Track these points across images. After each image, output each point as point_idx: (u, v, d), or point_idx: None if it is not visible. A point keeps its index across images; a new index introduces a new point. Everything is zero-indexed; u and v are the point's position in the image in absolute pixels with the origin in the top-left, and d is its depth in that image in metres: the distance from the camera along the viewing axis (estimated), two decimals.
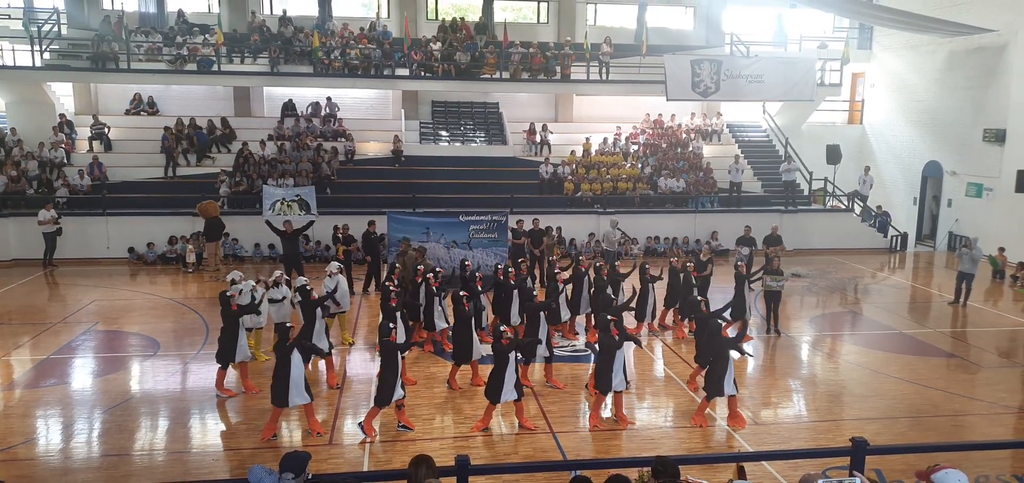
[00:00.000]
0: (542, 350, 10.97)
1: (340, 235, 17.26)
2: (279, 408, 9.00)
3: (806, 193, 23.96)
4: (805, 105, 24.55)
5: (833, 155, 24.23)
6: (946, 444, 8.89)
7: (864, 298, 17.47)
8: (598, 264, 13.92)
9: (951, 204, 23.67)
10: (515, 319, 12.39)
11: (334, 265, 12.81)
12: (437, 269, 13.04)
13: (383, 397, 8.97)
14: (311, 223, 17.34)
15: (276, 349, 8.99)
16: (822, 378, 11.84)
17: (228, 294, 10.66)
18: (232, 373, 10.77)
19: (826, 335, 14.31)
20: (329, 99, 24.45)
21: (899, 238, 23.54)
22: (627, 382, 9.80)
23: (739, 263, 14.23)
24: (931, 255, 23.33)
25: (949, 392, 11.13)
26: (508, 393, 9.20)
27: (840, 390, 11.24)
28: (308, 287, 11.04)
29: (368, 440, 9.05)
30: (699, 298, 11.93)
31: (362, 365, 11.98)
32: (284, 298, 11.94)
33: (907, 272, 21.07)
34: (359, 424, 9.23)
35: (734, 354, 9.74)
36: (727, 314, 11.59)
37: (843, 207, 24.13)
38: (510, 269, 13.17)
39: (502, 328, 9.55)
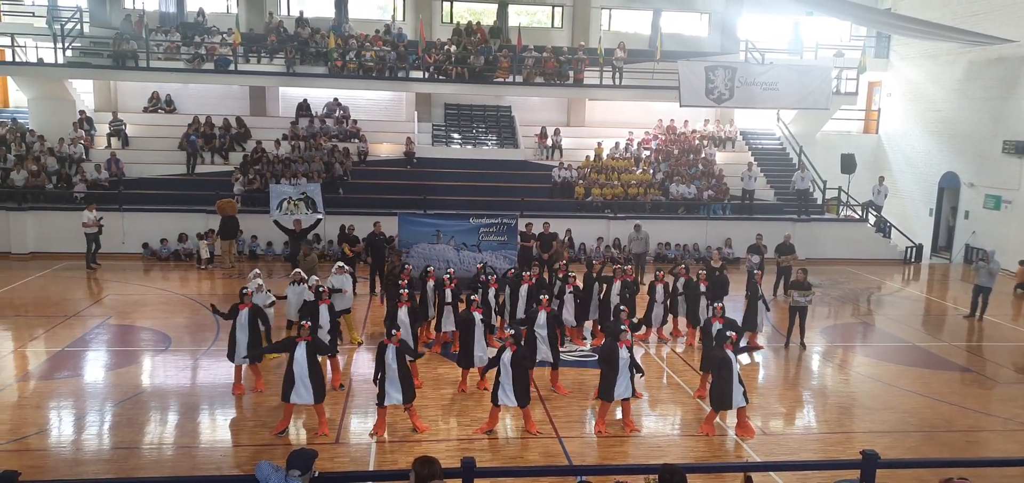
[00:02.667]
0: (546, 354, 10.93)
1: (347, 234, 17.34)
2: (286, 403, 9.08)
3: (819, 202, 23.79)
4: (820, 113, 24.38)
5: (847, 164, 24.03)
6: (959, 459, 8.79)
7: (877, 309, 17.29)
8: (619, 266, 13.87)
9: (968, 216, 23.39)
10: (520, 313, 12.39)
11: (338, 264, 12.97)
12: (451, 271, 13.02)
13: (379, 397, 9.10)
14: (319, 221, 17.42)
15: (284, 341, 9.07)
16: (833, 390, 11.72)
17: (245, 291, 10.73)
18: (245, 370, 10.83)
19: (838, 346, 14.17)
20: (335, 99, 24.57)
21: (914, 249, 23.28)
22: (634, 390, 9.69)
23: (756, 271, 14.11)
24: (946, 267, 23.06)
25: (963, 407, 10.99)
26: (506, 398, 9.20)
27: (851, 402, 11.12)
28: (321, 287, 11.13)
29: (375, 437, 9.16)
30: (715, 306, 11.76)
31: (369, 365, 12.01)
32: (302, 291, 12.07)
33: (921, 284, 20.85)
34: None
35: (742, 359, 9.56)
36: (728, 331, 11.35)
37: (857, 217, 23.92)
38: (523, 273, 13.17)
39: (510, 333, 9.55)
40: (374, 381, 9.22)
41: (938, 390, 11.64)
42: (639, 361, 9.86)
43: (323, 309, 10.84)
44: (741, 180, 22.75)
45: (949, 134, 24.13)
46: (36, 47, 22.57)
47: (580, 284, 13.47)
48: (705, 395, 10.66)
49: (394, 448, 8.99)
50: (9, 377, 11.02)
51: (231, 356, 10.50)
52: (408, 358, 9.29)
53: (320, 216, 17.68)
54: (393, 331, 9.14)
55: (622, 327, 9.62)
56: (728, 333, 9.71)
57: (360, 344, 12.95)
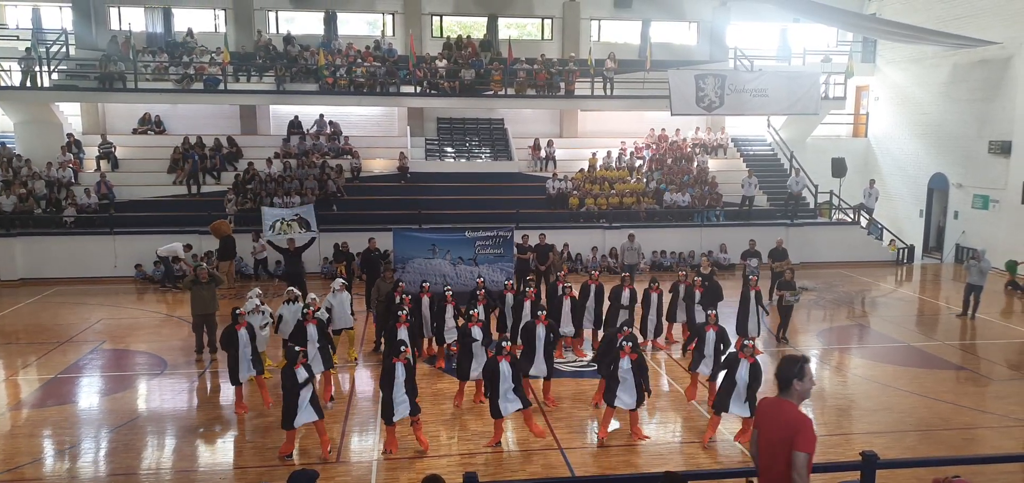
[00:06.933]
0: (541, 369, 10.84)
1: (343, 251, 17.27)
2: (289, 431, 9.00)
3: (812, 206, 23.93)
4: (810, 118, 24.56)
5: (838, 168, 24.21)
6: (956, 458, 8.80)
7: (871, 311, 17.38)
8: (624, 275, 13.91)
9: (958, 216, 23.59)
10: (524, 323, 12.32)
11: (338, 282, 12.84)
12: (449, 291, 12.91)
13: (384, 413, 9.02)
14: (313, 240, 17.33)
15: (283, 371, 8.98)
16: (830, 392, 11.76)
17: (238, 311, 10.67)
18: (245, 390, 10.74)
19: (834, 349, 14.23)
20: (321, 115, 24.54)
21: (905, 251, 23.44)
22: (640, 400, 9.65)
23: (751, 276, 14.15)
24: (938, 267, 23.22)
25: (959, 405, 11.04)
26: (509, 405, 9.17)
27: (849, 404, 11.17)
28: (306, 307, 11.07)
29: (388, 454, 9.14)
30: (709, 313, 11.76)
31: (368, 382, 11.96)
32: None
33: (914, 285, 20.97)
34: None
35: (742, 373, 9.49)
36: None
37: (849, 220, 24.08)
38: (525, 291, 13.13)
39: (503, 344, 9.47)
40: (383, 399, 9.08)
41: (934, 389, 11.70)
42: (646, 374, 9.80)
43: (310, 328, 10.75)
44: (742, 187, 22.90)
45: (936, 136, 24.37)
46: (21, 70, 22.44)
47: (576, 294, 13.44)
48: (694, 396, 10.88)
49: (396, 465, 8.94)
50: (1, 406, 10.90)
51: (234, 379, 10.42)
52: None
53: (314, 234, 17.60)
54: (402, 348, 9.12)
55: (621, 342, 9.57)
56: (746, 342, 9.70)
57: (356, 360, 12.89)
